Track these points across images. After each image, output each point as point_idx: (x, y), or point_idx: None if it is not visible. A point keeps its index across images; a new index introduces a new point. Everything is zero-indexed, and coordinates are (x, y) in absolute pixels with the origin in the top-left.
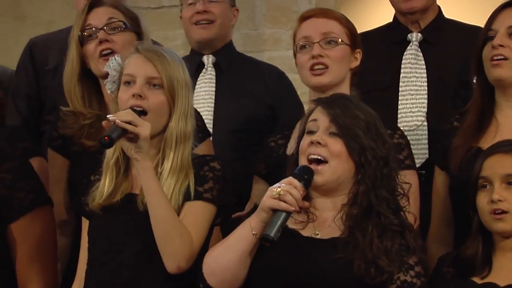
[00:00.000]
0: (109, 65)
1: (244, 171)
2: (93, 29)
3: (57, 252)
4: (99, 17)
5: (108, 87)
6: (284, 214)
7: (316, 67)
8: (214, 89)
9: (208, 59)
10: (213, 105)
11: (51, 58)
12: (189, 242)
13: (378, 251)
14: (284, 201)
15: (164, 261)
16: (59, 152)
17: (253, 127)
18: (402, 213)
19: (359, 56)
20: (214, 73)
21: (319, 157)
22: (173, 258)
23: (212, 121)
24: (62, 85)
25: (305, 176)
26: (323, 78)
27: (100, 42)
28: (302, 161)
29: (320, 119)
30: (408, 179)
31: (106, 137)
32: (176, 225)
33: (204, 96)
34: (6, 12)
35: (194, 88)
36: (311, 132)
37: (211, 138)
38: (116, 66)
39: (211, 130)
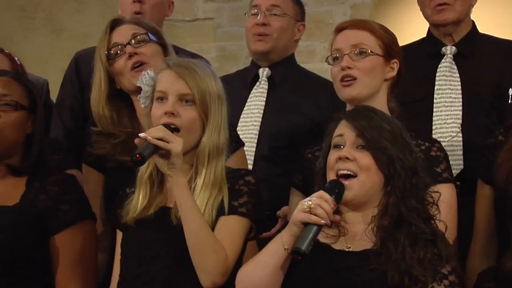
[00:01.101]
0: (141, 80)
1: (286, 186)
2: (119, 46)
3: (97, 268)
4: (123, 34)
5: (141, 101)
6: (315, 228)
7: (345, 78)
8: (263, 103)
9: (263, 72)
10: (260, 119)
11: None
12: (223, 257)
13: (411, 261)
14: (315, 215)
15: (199, 276)
16: (93, 167)
17: (297, 144)
18: (433, 221)
19: (395, 66)
20: (266, 87)
21: (349, 172)
22: (208, 273)
23: (257, 136)
24: None
25: (336, 190)
26: (351, 90)
27: (130, 56)
28: (331, 177)
29: (346, 134)
30: (446, 192)
31: (137, 155)
32: (210, 241)
33: (253, 110)
34: (43, 25)
35: (245, 101)
36: (338, 147)
37: (243, 148)
38: (149, 81)
39: (255, 145)
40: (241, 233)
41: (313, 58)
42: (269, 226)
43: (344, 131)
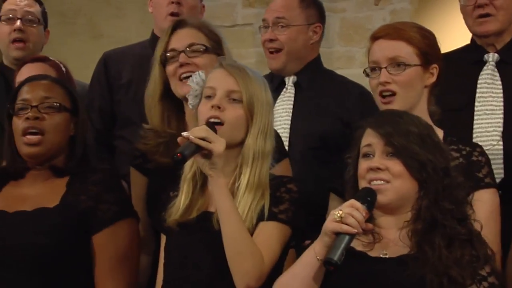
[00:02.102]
0: (192, 79)
1: (319, 188)
2: (175, 51)
3: (138, 269)
4: (181, 39)
5: (190, 101)
6: (347, 237)
7: (384, 93)
8: (291, 106)
9: (289, 79)
10: (289, 122)
11: (124, 72)
12: (259, 261)
13: (448, 261)
14: (346, 224)
15: (234, 279)
16: (139, 170)
17: (328, 145)
18: (468, 221)
19: (435, 71)
20: (293, 91)
21: (382, 182)
22: (243, 276)
23: (288, 139)
24: (135, 100)
25: (368, 198)
26: (391, 107)
27: (181, 65)
28: (363, 185)
29: (374, 142)
30: (488, 198)
31: (178, 154)
32: (247, 244)
33: (281, 114)
34: (83, 31)
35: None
36: (368, 156)
37: (288, 159)
38: (199, 81)
39: (286, 147)
40: (280, 240)
41: (352, 63)
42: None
43: (372, 140)
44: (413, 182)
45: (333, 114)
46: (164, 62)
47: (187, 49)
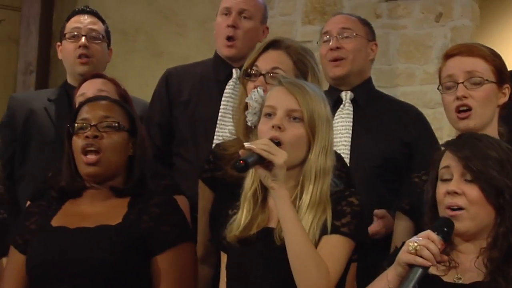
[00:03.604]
0: (251, 96)
1: (380, 207)
2: (258, 70)
3: (200, 282)
4: (266, 62)
5: (248, 118)
6: (420, 270)
7: (461, 108)
8: (351, 124)
9: (346, 95)
10: (349, 140)
11: (184, 90)
12: (325, 273)
13: None
14: (421, 256)
15: None
16: (207, 184)
17: (388, 164)
18: None
19: (507, 91)
20: (351, 109)
21: (458, 207)
22: None
23: (348, 157)
24: (191, 119)
25: (444, 229)
26: (469, 122)
27: (255, 87)
28: (441, 210)
29: (452, 165)
30: None
31: (241, 161)
32: (312, 255)
33: (341, 131)
34: (144, 48)
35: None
36: (446, 180)
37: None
38: (258, 98)
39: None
40: (343, 253)
41: (412, 80)
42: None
43: (450, 163)
44: (490, 209)
45: (392, 133)
46: (246, 76)
47: (268, 72)
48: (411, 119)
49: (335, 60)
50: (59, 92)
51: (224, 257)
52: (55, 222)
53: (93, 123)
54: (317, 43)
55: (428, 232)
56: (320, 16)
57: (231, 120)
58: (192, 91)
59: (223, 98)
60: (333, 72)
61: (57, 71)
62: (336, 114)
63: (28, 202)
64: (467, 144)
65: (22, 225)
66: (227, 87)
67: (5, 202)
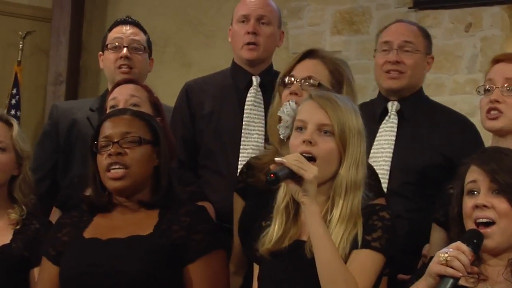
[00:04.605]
0: (283, 110)
1: (420, 221)
2: (294, 78)
3: None
4: (303, 70)
5: (281, 132)
6: (451, 281)
7: (492, 111)
8: (394, 138)
9: (392, 106)
10: (391, 154)
11: (206, 103)
12: None
13: None
14: (451, 267)
15: None
16: (240, 194)
17: (428, 179)
18: None
19: None
20: (396, 121)
21: (488, 220)
22: None
23: (388, 171)
24: (216, 131)
25: (474, 240)
26: (495, 123)
27: (290, 94)
28: (469, 225)
29: (479, 179)
30: None
31: (272, 175)
32: (341, 270)
33: (383, 145)
34: (173, 59)
35: (374, 135)
36: (473, 193)
37: (384, 199)
38: (290, 112)
39: (386, 180)
40: (374, 267)
41: (442, 91)
42: (404, 262)
43: (477, 177)
44: None
45: (435, 148)
46: (282, 84)
47: (303, 81)
48: (457, 132)
49: (392, 71)
50: (101, 102)
51: (256, 268)
52: (87, 234)
53: (115, 140)
54: (375, 50)
55: (458, 244)
56: (348, 26)
57: (256, 129)
58: (214, 102)
59: (246, 107)
60: (387, 84)
61: (87, 81)
62: (381, 126)
63: (54, 209)
64: (493, 158)
65: (55, 237)
66: (248, 95)
67: (38, 213)
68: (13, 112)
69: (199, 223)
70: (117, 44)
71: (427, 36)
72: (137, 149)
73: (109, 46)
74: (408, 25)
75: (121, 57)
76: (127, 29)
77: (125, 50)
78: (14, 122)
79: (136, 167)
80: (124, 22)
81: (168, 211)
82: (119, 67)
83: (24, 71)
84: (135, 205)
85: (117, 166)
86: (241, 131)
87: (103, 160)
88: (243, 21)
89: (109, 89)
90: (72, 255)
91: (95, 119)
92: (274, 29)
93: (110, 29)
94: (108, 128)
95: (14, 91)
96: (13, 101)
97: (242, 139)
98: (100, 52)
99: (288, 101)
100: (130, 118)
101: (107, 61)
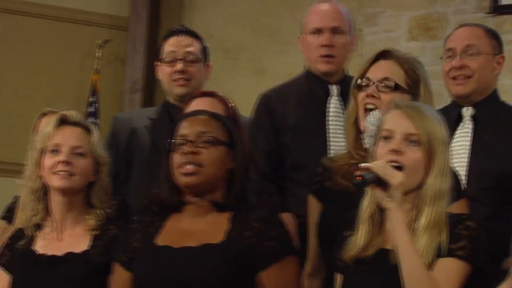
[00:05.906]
0: (368, 119)
1: (499, 229)
2: (368, 80)
3: None
4: (378, 71)
5: (366, 141)
6: None
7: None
8: (469, 143)
9: (467, 112)
10: (467, 160)
11: (288, 115)
12: None
13: None
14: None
15: None
16: (316, 195)
17: (505, 185)
18: None
19: None
20: (471, 126)
21: None
22: None
23: (466, 177)
24: (303, 143)
25: None
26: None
27: (367, 96)
28: None
29: None
30: None
31: (359, 177)
32: (426, 279)
33: (459, 151)
34: (246, 67)
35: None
36: None
37: (465, 200)
38: (375, 121)
39: (463, 187)
40: (458, 276)
41: None
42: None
43: None
44: None
45: (511, 153)
46: (357, 87)
47: (379, 82)
48: None
49: (458, 77)
50: (160, 111)
51: (337, 278)
52: (159, 241)
53: (190, 138)
54: (440, 58)
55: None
56: (424, 32)
57: (342, 140)
58: (296, 114)
59: (330, 118)
60: (455, 90)
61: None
62: (455, 132)
63: None
64: None
65: (126, 243)
66: (331, 105)
67: (115, 218)
68: (91, 119)
69: (271, 229)
70: (172, 57)
71: (493, 36)
72: (211, 149)
73: (164, 59)
74: (470, 28)
75: (176, 71)
76: (182, 40)
77: (180, 64)
78: (94, 129)
79: (210, 167)
80: (178, 31)
81: (239, 216)
82: (176, 80)
83: (101, 79)
84: (206, 205)
85: (190, 165)
86: (326, 142)
87: (177, 157)
88: (315, 33)
89: (167, 98)
90: (144, 263)
91: (153, 129)
92: (347, 37)
93: (165, 38)
94: (185, 128)
95: (92, 99)
96: (91, 109)
97: (329, 152)
98: (157, 63)
99: (372, 110)
100: (207, 118)
101: (163, 74)
